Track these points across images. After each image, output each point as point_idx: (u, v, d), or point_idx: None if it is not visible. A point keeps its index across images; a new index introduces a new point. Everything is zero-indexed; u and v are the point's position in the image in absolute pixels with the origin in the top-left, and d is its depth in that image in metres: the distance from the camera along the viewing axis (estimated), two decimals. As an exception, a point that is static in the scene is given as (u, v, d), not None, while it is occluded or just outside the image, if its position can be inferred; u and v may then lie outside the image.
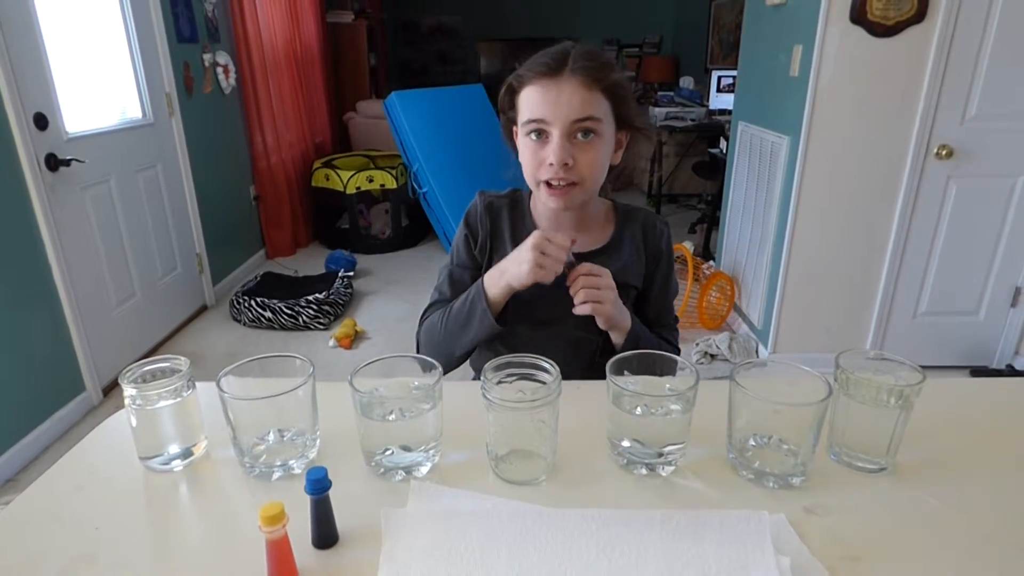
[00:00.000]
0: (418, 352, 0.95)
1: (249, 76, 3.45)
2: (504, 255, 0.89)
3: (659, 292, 1.01)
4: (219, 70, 3.21)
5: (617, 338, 0.91)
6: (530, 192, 0.97)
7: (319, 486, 0.55)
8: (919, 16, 2.02)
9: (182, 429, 0.67)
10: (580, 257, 0.93)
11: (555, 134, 0.83)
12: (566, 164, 0.83)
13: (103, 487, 0.65)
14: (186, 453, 0.67)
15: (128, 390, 0.64)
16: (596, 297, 0.84)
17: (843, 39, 2.06)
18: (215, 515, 0.62)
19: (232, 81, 3.33)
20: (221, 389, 0.63)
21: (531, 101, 0.85)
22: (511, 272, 0.85)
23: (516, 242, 0.92)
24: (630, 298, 0.97)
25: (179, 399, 0.66)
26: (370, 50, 5.28)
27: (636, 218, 1.00)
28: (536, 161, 0.86)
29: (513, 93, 0.89)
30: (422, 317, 1.00)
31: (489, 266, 0.96)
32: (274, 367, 0.69)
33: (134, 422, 0.66)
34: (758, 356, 2.54)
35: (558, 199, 0.87)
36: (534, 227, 0.96)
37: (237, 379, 0.67)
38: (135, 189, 2.53)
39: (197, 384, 0.71)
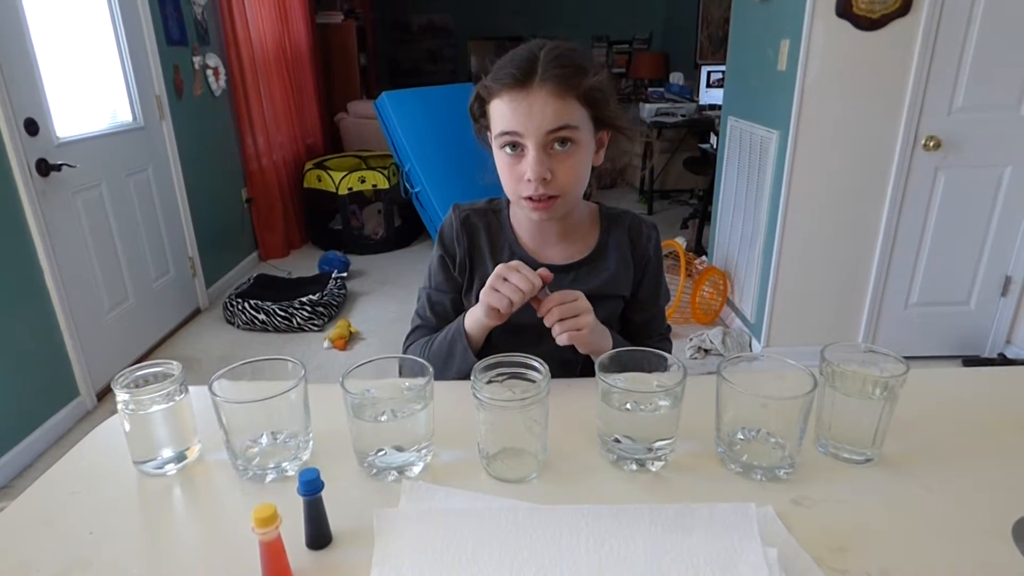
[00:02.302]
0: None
1: (239, 78, 3.44)
2: (486, 273, 0.83)
3: (648, 299, 0.97)
4: (209, 72, 3.20)
5: None
6: (507, 200, 0.94)
7: (311, 487, 0.55)
8: (904, 9, 2.03)
9: (175, 433, 0.67)
10: (567, 268, 0.91)
11: (530, 147, 0.79)
12: (544, 179, 0.79)
13: (97, 492, 0.65)
14: (179, 457, 0.68)
15: (121, 395, 0.65)
16: (574, 325, 0.78)
17: (829, 33, 2.07)
18: (209, 518, 0.62)
19: (222, 83, 3.31)
20: (213, 393, 0.63)
21: (501, 114, 0.80)
22: (483, 299, 0.81)
23: (496, 258, 0.90)
24: (617, 308, 0.95)
25: (172, 403, 0.66)
26: (360, 50, 5.27)
27: (622, 223, 0.95)
28: (514, 176, 0.82)
29: (483, 102, 0.85)
30: (406, 342, 0.98)
31: (471, 285, 0.93)
32: (266, 370, 0.70)
33: (127, 427, 0.66)
34: (751, 350, 2.55)
35: (540, 212, 0.84)
36: (515, 240, 0.93)
37: (230, 383, 0.67)
38: (126, 193, 2.52)
39: (190, 388, 0.71)
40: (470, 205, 0.97)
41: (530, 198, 0.82)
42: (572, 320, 0.79)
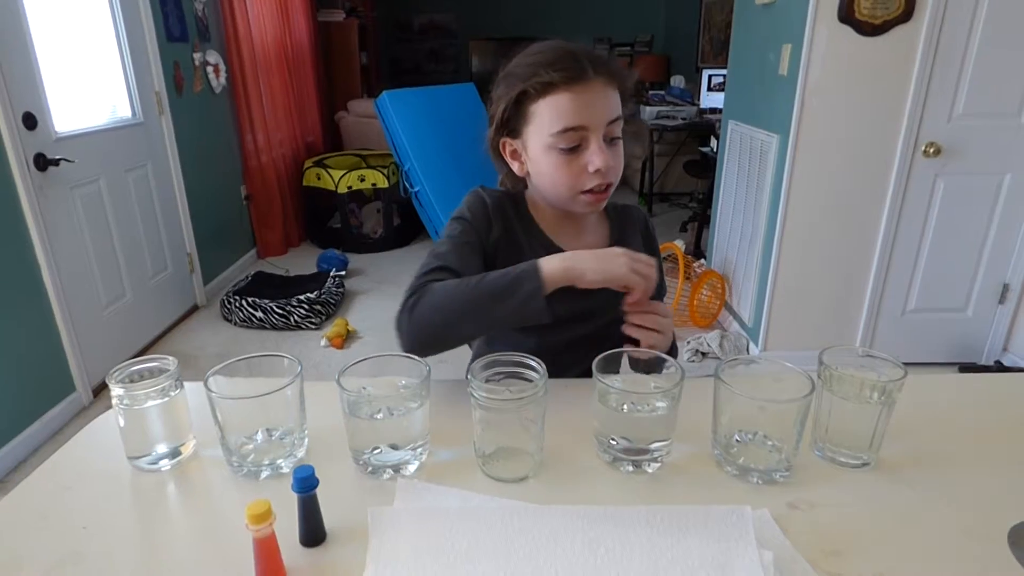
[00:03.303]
0: (402, 317, 0.78)
1: (240, 75, 3.43)
2: (510, 260, 0.80)
3: (657, 289, 1.00)
4: (209, 69, 3.20)
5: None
6: (520, 193, 0.94)
7: (306, 484, 0.55)
8: (906, 15, 2.03)
9: (170, 429, 0.67)
10: None
11: (594, 139, 0.80)
12: (610, 168, 0.81)
13: (91, 487, 0.65)
14: (174, 453, 0.67)
15: (116, 390, 0.64)
16: (659, 342, 0.79)
17: (831, 38, 2.08)
18: (203, 514, 0.62)
19: (223, 80, 3.31)
20: (209, 388, 0.63)
21: (563, 108, 0.79)
22: (588, 265, 0.75)
23: (526, 247, 0.88)
24: None
25: (167, 399, 0.66)
26: (361, 49, 5.27)
27: (628, 214, 0.99)
28: (573, 171, 0.81)
29: (524, 102, 0.82)
30: (418, 282, 0.81)
31: (489, 268, 0.86)
32: (262, 366, 0.69)
33: (122, 422, 0.66)
34: (749, 354, 2.55)
35: (596, 204, 0.85)
36: (540, 231, 0.92)
37: (225, 379, 0.67)
38: (125, 189, 2.52)
39: (185, 384, 0.71)
40: (495, 191, 0.94)
41: (591, 190, 0.83)
42: (659, 336, 0.80)
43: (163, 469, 0.67)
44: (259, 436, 0.68)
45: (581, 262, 0.76)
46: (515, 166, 0.89)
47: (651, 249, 1.00)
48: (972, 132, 2.15)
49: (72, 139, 2.20)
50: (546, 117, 0.80)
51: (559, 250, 0.87)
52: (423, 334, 0.78)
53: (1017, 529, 0.56)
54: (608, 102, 0.80)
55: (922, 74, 2.07)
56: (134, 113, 2.63)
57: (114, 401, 0.65)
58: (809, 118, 2.17)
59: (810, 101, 2.15)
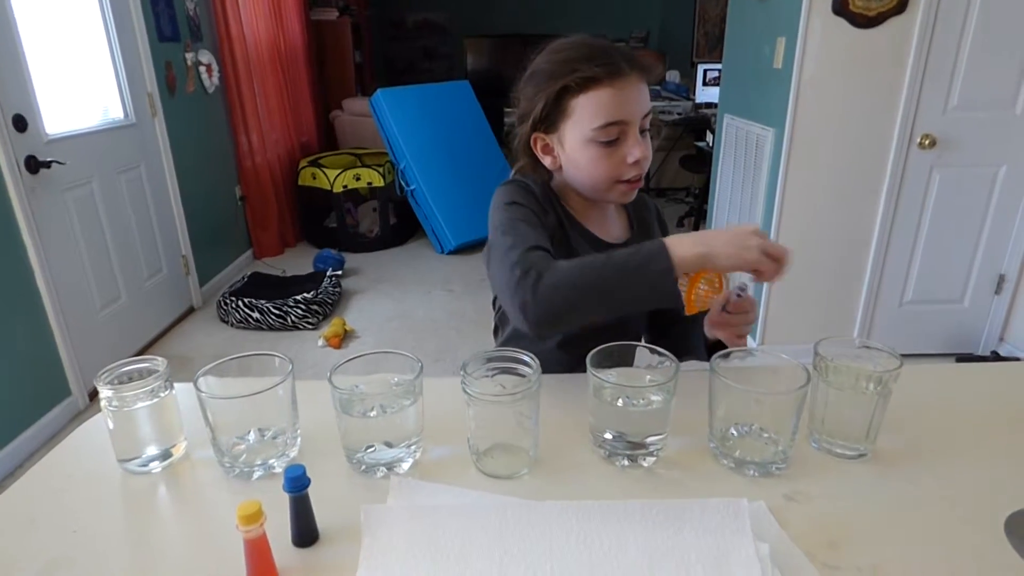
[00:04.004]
0: (523, 294, 0.73)
1: (233, 75, 3.41)
2: (559, 249, 0.82)
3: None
4: (202, 69, 3.18)
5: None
6: (546, 183, 0.93)
7: (297, 484, 0.55)
8: (900, 7, 2.03)
9: (160, 430, 0.66)
10: (624, 245, 0.94)
11: (632, 132, 0.83)
12: (646, 159, 0.84)
13: (81, 490, 0.64)
14: (165, 455, 0.67)
15: (104, 391, 0.64)
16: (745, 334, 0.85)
17: (826, 31, 2.07)
18: (194, 516, 0.61)
19: (215, 80, 3.29)
20: (198, 389, 0.63)
21: (605, 102, 0.81)
22: (722, 250, 0.70)
23: (572, 239, 0.89)
24: None
25: (156, 400, 0.65)
26: (355, 47, 5.24)
27: (645, 204, 1.02)
28: (612, 162, 0.84)
29: (564, 98, 0.83)
30: (526, 258, 0.76)
31: None
32: (253, 366, 0.69)
33: (111, 424, 0.65)
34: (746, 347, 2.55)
35: (631, 192, 0.88)
36: (576, 223, 0.92)
37: (216, 379, 0.66)
38: (118, 190, 2.50)
39: (177, 385, 0.70)
40: (530, 179, 0.92)
41: (627, 180, 0.86)
42: (745, 338, 0.84)
43: (154, 471, 0.66)
44: (251, 436, 0.67)
45: (716, 246, 0.71)
46: (547, 160, 0.90)
47: (664, 234, 1.02)
48: (967, 124, 2.14)
49: (63, 141, 2.18)
50: (587, 111, 0.82)
51: (598, 240, 0.91)
52: (555, 309, 0.73)
53: (1014, 518, 0.55)
54: (643, 96, 0.83)
55: (916, 66, 2.07)
56: (126, 114, 2.61)
57: (103, 403, 0.64)
58: (804, 111, 2.16)
59: (805, 94, 2.14)
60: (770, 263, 0.70)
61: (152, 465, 0.66)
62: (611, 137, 0.82)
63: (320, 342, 2.66)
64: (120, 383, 0.66)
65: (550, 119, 0.86)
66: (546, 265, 0.74)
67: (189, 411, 0.69)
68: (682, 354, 0.94)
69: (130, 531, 0.59)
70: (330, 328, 2.71)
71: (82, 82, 2.37)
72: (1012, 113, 2.13)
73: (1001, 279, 2.35)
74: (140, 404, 0.65)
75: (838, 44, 2.08)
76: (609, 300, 0.73)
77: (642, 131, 0.84)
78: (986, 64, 2.06)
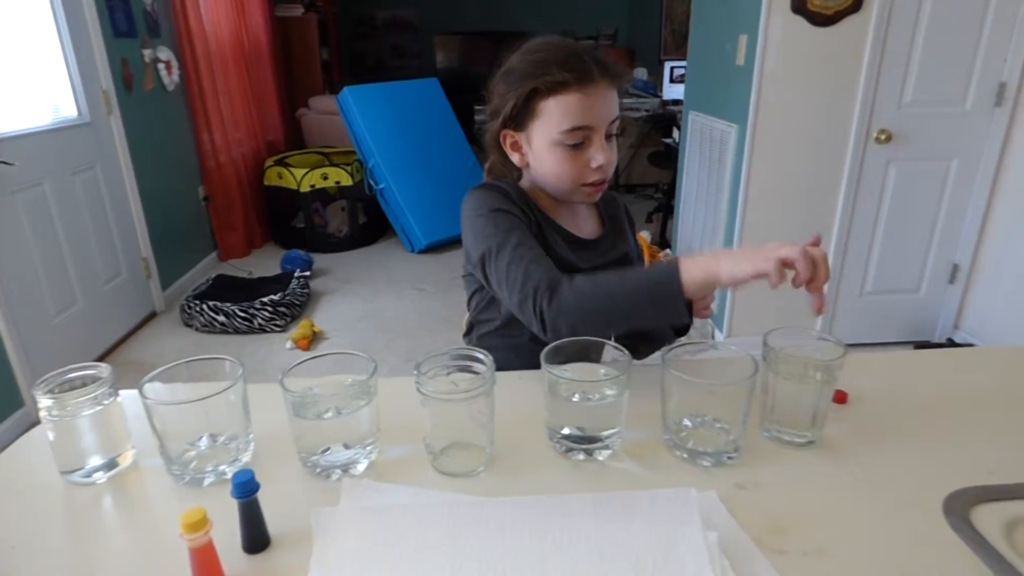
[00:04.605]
0: (542, 308, 0.75)
1: (194, 72, 3.33)
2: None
3: (640, 262, 1.05)
4: (161, 66, 3.09)
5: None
6: (516, 183, 0.94)
7: (245, 489, 0.53)
8: (856, 6, 2.08)
9: (105, 439, 0.64)
10: (597, 241, 0.95)
11: (597, 138, 0.84)
12: (610, 164, 0.86)
13: (20, 504, 0.62)
14: (110, 464, 0.65)
15: (43, 401, 0.61)
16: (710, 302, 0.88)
17: (785, 28, 2.11)
18: (140, 526, 0.60)
19: (175, 77, 3.21)
20: (144, 396, 0.61)
21: (572, 107, 0.82)
22: (724, 265, 0.70)
23: (550, 238, 0.89)
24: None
25: (100, 408, 0.63)
26: (322, 44, 5.17)
27: (615, 201, 1.04)
28: (577, 165, 0.85)
29: (534, 99, 0.84)
30: (538, 272, 0.78)
31: None
32: (203, 370, 0.67)
33: (51, 435, 0.63)
34: (714, 340, 2.60)
35: (594, 195, 0.90)
36: (550, 220, 0.92)
37: (163, 385, 0.64)
38: (72, 192, 2.42)
39: (123, 392, 0.68)
40: (503, 182, 0.93)
41: (591, 184, 0.87)
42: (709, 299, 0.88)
43: (98, 482, 0.64)
44: (203, 442, 0.66)
45: (722, 264, 0.70)
46: (515, 157, 0.92)
47: (631, 223, 1.06)
48: (920, 119, 2.21)
49: (11, 141, 2.10)
50: (555, 114, 0.83)
51: (573, 236, 0.93)
52: (568, 330, 0.74)
53: (951, 497, 0.57)
54: (611, 103, 0.84)
55: (872, 63, 2.13)
56: (80, 112, 2.53)
57: (42, 413, 0.62)
58: (766, 107, 2.21)
59: (766, 91, 2.18)
60: (776, 267, 0.67)
61: (96, 476, 0.64)
62: (576, 141, 0.84)
63: (288, 344, 2.62)
64: (63, 391, 0.63)
65: (519, 118, 0.87)
66: (556, 283, 0.77)
67: (139, 418, 0.67)
68: (654, 341, 0.96)
69: (72, 545, 0.57)
70: (298, 330, 2.67)
71: (31, 79, 2.28)
72: (963, 108, 2.20)
73: (955, 268, 2.43)
74: (82, 413, 0.62)
75: (797, 42, 2.12)
76: (621, 323, 0.77)
77: (608, 136, 0.86)
78: (938, 62, 2.13)
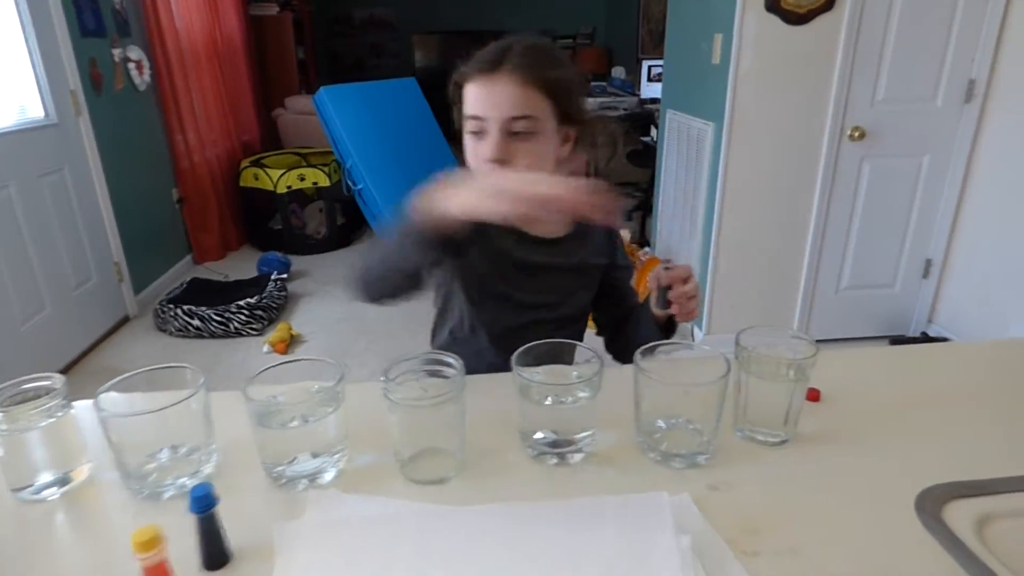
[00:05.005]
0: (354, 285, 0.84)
1: (165, 72, 3.26)
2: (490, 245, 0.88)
3: (624, 264, 1.04)
4: (131, 66, 3.02)
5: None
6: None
7: (203, 504, 0.51)
8: (828, 4, 2.10)
9: (57, 454, 0.62)
10: (558, 241, 0.93)
11: (491, 131, 0.83)
12: (501, 161, 0.82)
13: (-33, 523, 0.59)
14: (63, 480, 0.62)
15: (-9, 415, 0.59)
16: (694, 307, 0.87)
17: (760, 27, 2.12)
18: (94, 545, 0.57)
19: (147, 77, 3.13)
20: (99, 407, 0.58)
21: (470, 97, 0.85)
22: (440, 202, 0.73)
23: (497, 231, 0.88)
24: (599, 276, 1.00)
25: (52, 420, 0.60)
26: (298, 43, 5.10)
27: None
28: (476, 158, 0.86)
29: (458, 87, 0.88)
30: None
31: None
32: (163, 379, 0.65)
33: (1, 451, 0.60)
34: (693, 339, 2.61)
35: None
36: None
37: (120, 395, 0.62)
38: (39, 195, 2.35)
39: (78, 403, 0.65)
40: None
41: None
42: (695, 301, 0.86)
43: (50, 499, 0.61)
44: (164, 454, 0.63)
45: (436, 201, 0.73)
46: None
47: (614, 251, 1.03)
48: (893, 116, 2.24)
49: (-27, 143, 2.03)
50: (465, 103, 0.86)
51: (525, 234, 0.92)
52: (361, 278, 0.83)
53: (923, 494, 0.57)
54: (510, 99, 0.81)
55: (845, 61, 2.15)
56: (47, 113, 2.45)
57: (-10, 427, 0.59)
58: (742, 105, 2.22)
59: (742, 89, 2.20)
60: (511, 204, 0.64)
61: (46, 492, 0.61)
62: (474, 129, 0.85)
63: (265, 348, 2.57)
64: (15, 403, 0.60)
65: (459, 106, 0.90)
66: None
67: (96, 430, 0.64)
68: (641, 343, 0.96)
69: (20, 567, 0.54)
70: (275, 333, 2.62)
71: (-7, 80, 2.22)
72: (934, 105, 2.24)
73: (928, 264, 2.47)
74: (34, 426, 0.60)
75: (772, 40, 2.14)
76: (380, 267, 0.82)
77: (513, 133, 0.82)
78: (909, 59, 2.16)
